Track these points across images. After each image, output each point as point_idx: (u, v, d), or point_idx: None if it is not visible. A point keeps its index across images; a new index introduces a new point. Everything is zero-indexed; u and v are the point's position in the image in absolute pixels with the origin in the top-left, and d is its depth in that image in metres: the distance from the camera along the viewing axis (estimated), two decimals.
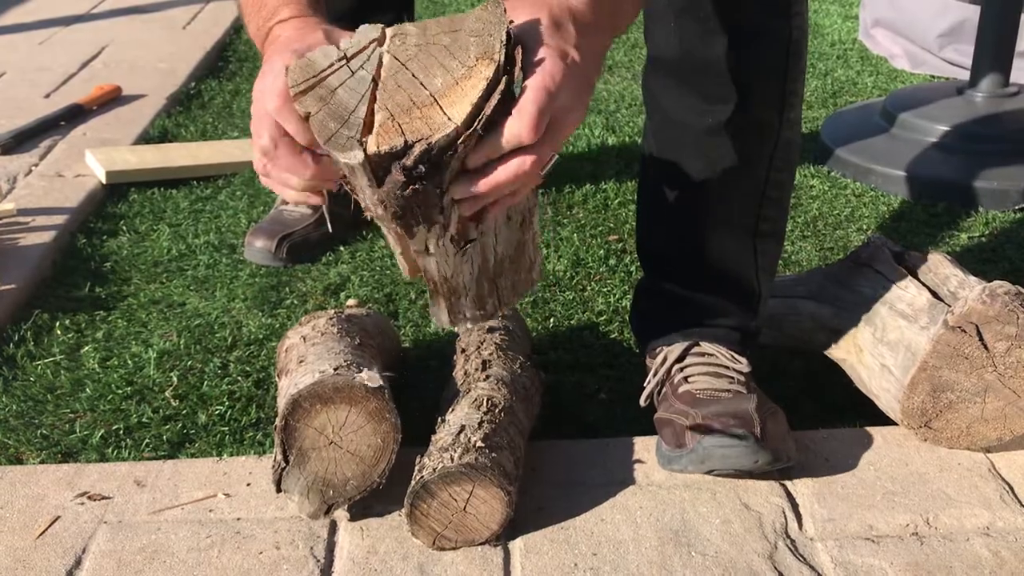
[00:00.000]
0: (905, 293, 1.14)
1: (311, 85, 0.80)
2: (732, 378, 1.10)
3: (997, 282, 1.08)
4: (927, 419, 1.08)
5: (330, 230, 1.61)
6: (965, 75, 2.07)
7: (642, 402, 1.16)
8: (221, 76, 2.47)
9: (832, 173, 1.92)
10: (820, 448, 1.11)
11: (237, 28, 2.81)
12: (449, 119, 0.74)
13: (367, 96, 0.78)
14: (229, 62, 2.58)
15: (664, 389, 1.14)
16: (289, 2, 0.89)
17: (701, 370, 1.12)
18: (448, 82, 0.76)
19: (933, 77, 2.45)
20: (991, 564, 0.94)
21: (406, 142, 0.74)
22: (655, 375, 1.15)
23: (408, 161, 0.74)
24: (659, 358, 1.16)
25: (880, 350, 1.14)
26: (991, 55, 1.92)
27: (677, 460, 1.06)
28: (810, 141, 2.00)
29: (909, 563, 0.95)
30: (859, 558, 0.95)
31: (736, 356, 1.13)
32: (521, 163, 0.75)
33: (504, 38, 0.76)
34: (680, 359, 1.14)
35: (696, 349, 1.14)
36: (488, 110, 0.75)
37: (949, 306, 1.08)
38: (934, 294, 1.12)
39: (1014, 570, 0.94)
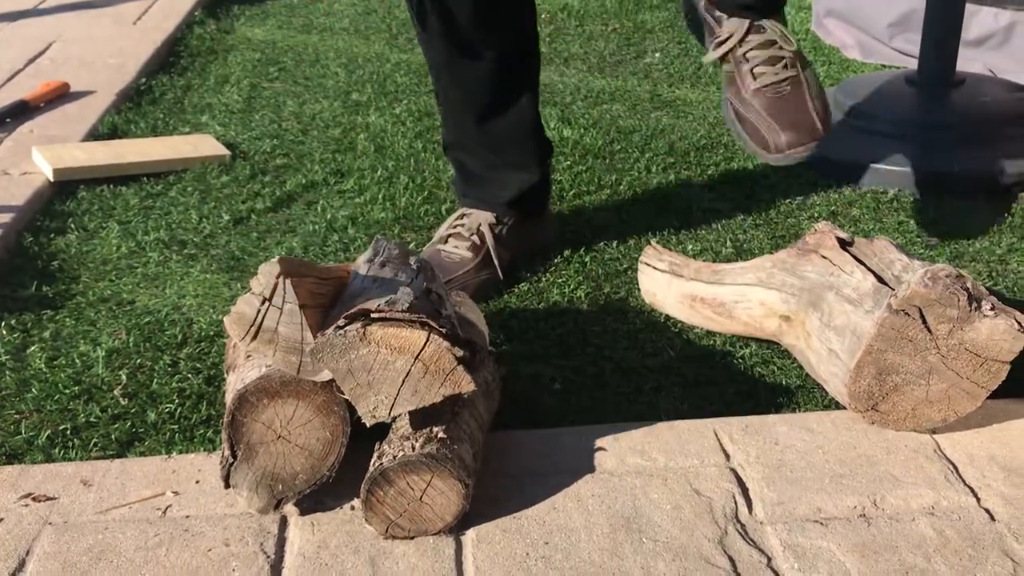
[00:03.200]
0: (851, 278, 1.15)
1: (254, 333, 0.94)
2: (784, 60, 1.33)
3: (939, 265, 1.09)
4: (874, 402, 1.10)
5: (500, 275, 1.48)
6: (915, 64, 2.10)
7: (706, 60, 1.39)
8: (172, 71, 2.44)
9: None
10: (771, 433, 1.12)
11: (189, 23, 2.78)
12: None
13: (304, 323, 0.94)
14: (181, 57, 2.55)
15: (732, 66, 1.36)
16: None
17: (760, 55, 1.33)
18: None
19: (884, 66, 2.47)
20: (935, 543, 0.96)
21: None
22: (725, 41, 1.35)
23: None
24: (725, 30, 1.36)
25: (827, 335, 1.15)
26: (937, 44, 1.95)
27: (762, 157, 1.33)
28: None
29: (856, 544, 0.96)
30: (808, 540, 0.96)
31: (785, 34, 1.34)
32: None
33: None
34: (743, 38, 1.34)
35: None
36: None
37: (893, 290, 1.09)
38: (879, 279, 1.13)
39: (957, 548, 0.95)
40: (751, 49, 1.33)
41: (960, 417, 1.09)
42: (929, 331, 1.06)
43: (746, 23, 1.34)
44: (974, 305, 1.05)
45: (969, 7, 2.24)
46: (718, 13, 1.36)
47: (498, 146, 1.50)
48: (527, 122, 1.51)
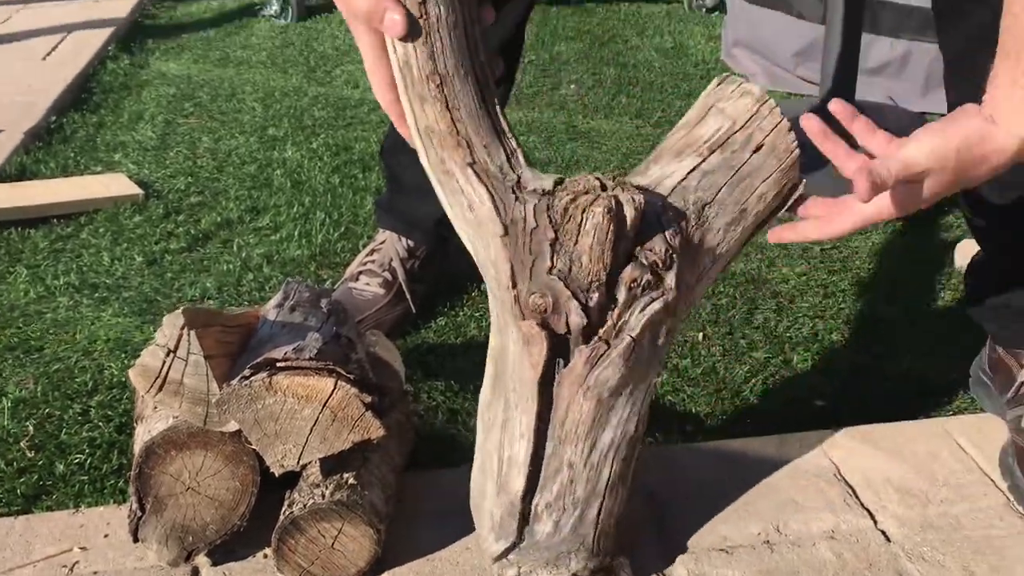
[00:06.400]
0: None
1: (160, 385, 0.95)
2: None
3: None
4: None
5: (413, 309, 1.49)
6: (818, 91, 2.18)
7: (1007, 421, 1.15)
8: (84, 109, 2.40)
9: None
10: (680, 461, 1.15)
11: (102, 58, 2.74)
12: None
13: (209, 374, 0.95)
14: (93, 94, 2.51)
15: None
16: None
17: None
18: None
19: (790, 94, 2.56)
20: (835, 566, 0.99)
21: None
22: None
23: None
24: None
25: None
26: (837, 73, 2.03)
27: None
28: None
29: (760, 571, 0.99)
30: (714, 570, 0.99)
31: None
32: None
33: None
34: None
35: None
36: None
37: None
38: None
39: (855, 570, 0.99)
40: None
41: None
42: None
43: None
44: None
45: (867, 37, 2.33)
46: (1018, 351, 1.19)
47: None
48: None
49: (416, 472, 1.14)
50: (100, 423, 1.25)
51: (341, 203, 1.90)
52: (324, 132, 2.28)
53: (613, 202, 0.81)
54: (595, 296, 0.83)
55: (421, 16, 0.80)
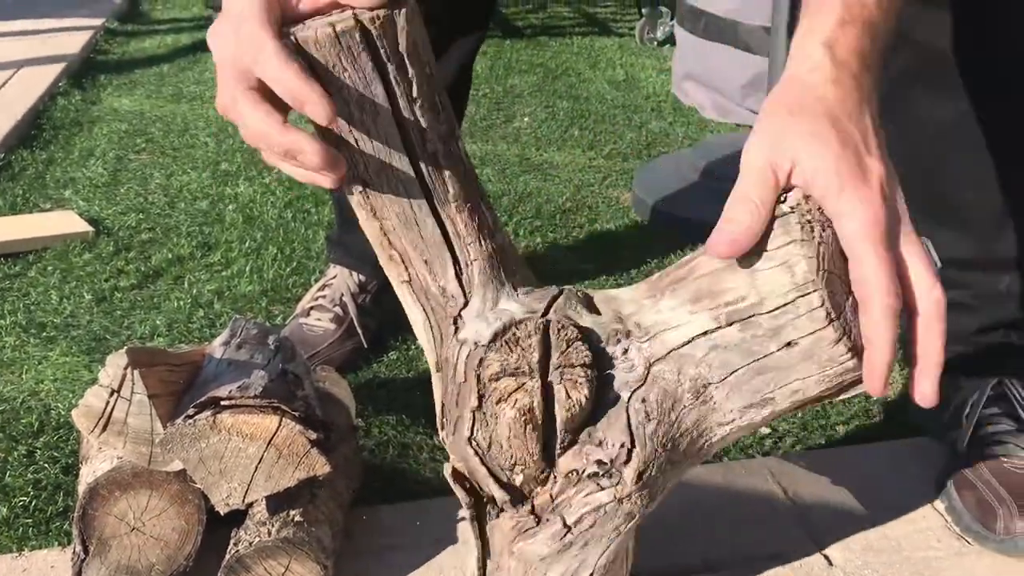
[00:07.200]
0: None
1: (103, 425, 0.94)
2: None
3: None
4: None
5: (364, 344, 1.48)
6: None
7: (961, 447, 1.13)
8: (34, 145, 2.38)
9: (642, 222, 2.02)
10: None
11: (53, 94, 2.73)
12: None
13: (153, 413, 0.94)
14: (43, 130, 2.49)
15: (968, 436, 1.13)
16: None
17: (1006, 427, 1.12)
18: None
19: (739, 126, 2.61)
20: None
21: None
22: (967, 420, 1.14)
23: None
24: (962, 401, 1.16)
25: None
26: None
27: (984, 540, 1.06)
28: (627, 192, 2.10)
29: None
30: None
31: None
32: None
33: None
34: (986, 405, 1.14)
35: (997, 390, 1.14)
36: None
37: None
38: None
39: None
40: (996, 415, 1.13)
41: None
42: None
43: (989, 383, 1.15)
44: None
45: None
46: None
47: None
48: None
49: (365, 507, 1.14)
50: (46, 464, 1.24)
51: (293, 238, 1.90)
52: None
53: (536, 400, 0.66)
54: (519, 478, 0.69)
55: (330, 123, 0.65)
